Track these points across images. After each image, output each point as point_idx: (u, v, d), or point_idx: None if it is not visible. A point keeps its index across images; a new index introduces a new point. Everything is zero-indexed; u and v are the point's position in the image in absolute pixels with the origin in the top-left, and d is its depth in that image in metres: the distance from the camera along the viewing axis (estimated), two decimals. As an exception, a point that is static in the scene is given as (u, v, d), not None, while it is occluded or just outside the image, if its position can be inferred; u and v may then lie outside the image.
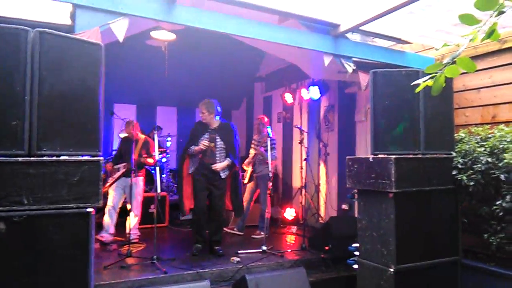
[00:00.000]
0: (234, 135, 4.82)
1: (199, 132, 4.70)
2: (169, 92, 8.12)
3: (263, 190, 5.64)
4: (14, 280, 2.12)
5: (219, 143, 4.68)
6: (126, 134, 5.56)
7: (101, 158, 2.42)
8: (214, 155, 4.61)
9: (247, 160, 5.90)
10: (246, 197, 5.83)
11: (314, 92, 6.05)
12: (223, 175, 4.66)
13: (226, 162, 4.66)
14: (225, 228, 5.74)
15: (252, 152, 5.84)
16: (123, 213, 5.32)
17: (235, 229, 5.82)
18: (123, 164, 5.14)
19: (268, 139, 5.25)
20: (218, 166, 4.60)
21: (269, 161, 5.02)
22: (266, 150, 5.46)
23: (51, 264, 2.22)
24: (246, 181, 5.86)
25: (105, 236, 4.98)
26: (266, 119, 5.85)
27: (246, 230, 5.79)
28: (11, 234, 2.10)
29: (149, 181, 6.68)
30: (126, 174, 5.05)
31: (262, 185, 5.67)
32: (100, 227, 4.95)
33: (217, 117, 4.76)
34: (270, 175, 4.95)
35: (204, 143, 4.56)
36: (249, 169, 5.82)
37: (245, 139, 9.16)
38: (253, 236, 5.05)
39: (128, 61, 6.60)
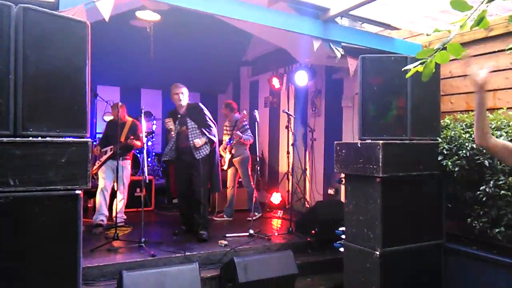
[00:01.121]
0: (203, 113, 4.83)
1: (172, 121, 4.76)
2: (154, 75, 7.99)
3: (245, 173, 5.67)
4: (0, 262, 2.08)
5: (190, 124, 4.70)
6: (112, 117, 5.47)
7: (89, 139, 2.36)
8: (187, 137, 4.64)
9: (222, 146, 5.87)
10: (229, 183, 5.86)
11: (301, 77, 6.04)
12: (198, 155, 4.63)
13: (204, 138, 4.67)
14: (214, 217, 5.78)
15: (225, 138, 5.87)
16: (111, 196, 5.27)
17: (224, 216, 5.83)
18: (110, 147, 5.07)
19: (256, 123, 5.23)
20: (196, 141, 4.61)
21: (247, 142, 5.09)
22: (241, 133, 5.59)
23: (39, 246, 2.18)
24: (225, 167, 5.85)
25: (104, 220, 4.99)
26: (234, 104, 5.98)
27: (235, 215, 5.82)
28: (-3, 216, 2.05)
29: (135, 165, 6.61)
30: (114, 157, 4.98)
31: (242, 168, 5.68)
32: (85, 211, 4.91)
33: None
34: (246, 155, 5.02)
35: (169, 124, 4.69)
36: (227, 155, 5.81)
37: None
38: (248, 218, 5.05)
39: (111, 42, 6.44)
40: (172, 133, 4.66)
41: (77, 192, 2.27)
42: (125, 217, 5.23)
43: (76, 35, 2.38)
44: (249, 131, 5.73)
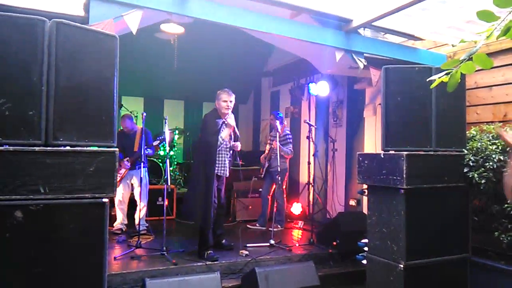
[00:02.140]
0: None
1: (216, 125, 4.40)
2: (176, 86, 8.15)
3: (279, 184, 5.69)
4: (30, 267, 2.14)
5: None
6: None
7: (116, 149, 2.43)
8: (227, 150, 4.50)
9: (263, 155, 6.01)
10: (263, 192, 5.89)
11: (323, 87, 6.04)
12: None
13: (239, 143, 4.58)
14: (248, 225, 5.92)
15: (267, 147, 5.94)
16: (131, 206, 5.40)
17: (257, 225, 5.88)
18: (127, 158, 5.20)
19: (277, 133, 5.27)
20: (237, 144, 4.53)
21: (278, 155, 5.07)
22: (282, 145, 5.61)
23: (66, 253, 2.24)
24: (263, 175, 5.95)
25: (123, 229, 5.19)
26: (279, 115, 5.94)
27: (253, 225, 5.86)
28: (27, 222, 2.12)
29: (157, 174, 6.71)
30: (130, 167, 5.15)
31: (277, 180, 5.70)
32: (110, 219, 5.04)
33: None
34: (279, 169, 5.00)
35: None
36: (265, 164, 5.89)
37: (252, 133, 9.18)
38: (270, 229, 5.04)
39: (136, 54, 6.61)
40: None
41: (104, 200, 2.33)
42: (147, 224, 5.32)
43: (105, 48, 2.47)
44: (291, 145, 5.80)
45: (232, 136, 4.53)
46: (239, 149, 4.55)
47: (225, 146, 4.41)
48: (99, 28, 2.65)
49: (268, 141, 5.99)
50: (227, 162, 4.45)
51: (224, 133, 4.34)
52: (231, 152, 4.55)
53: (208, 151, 4.28)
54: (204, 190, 4.22)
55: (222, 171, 4.39)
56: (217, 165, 4.32)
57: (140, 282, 3.37)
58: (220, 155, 4.37)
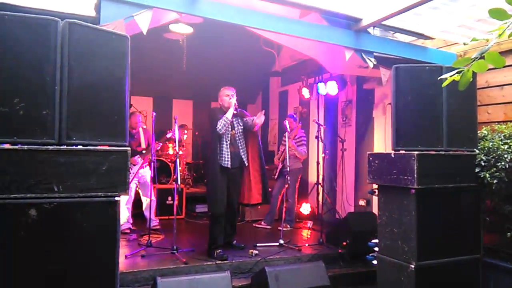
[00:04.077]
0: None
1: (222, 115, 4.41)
2: (185, 85, 8.18)
3: (292, 183, 5.70)
4: (45, 265, 2.17)
5: (240, 127, 4.57)
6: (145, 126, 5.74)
7: (128, 148, 2.45)
8: (236, 142, 4.50)
9: (276, 156, 6.08)
10: (275, 191, 5.93)
11: (332, 87, 6.03)
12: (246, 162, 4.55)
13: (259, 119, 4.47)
14: (255, 225, 5.96)
15: (282, 148, 5.98)
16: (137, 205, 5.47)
17: (262, 223, 5.90)
18: (137, 155, 5.29)
19: (286, 133, 5.27)
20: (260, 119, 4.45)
21: (287, 155, 5.08)
22: (298, 146, 5.74)
23: (80, 251, 2.26)
24: (276, 176, 5.99)
25: (130, 228, 5.26)
26: (295, 115, 6.10)
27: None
28: (42, 220, 2.14)
29: (167, 173, 6.74)
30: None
31: (291, 179, 5.70)
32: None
33: None
34: (288, 169, 5.01)
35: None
36: (279, 165, 5.93)
37: (260, 133, 9.18)
38: (279, 228, 5.03)
39: (146, 54, 6.66)
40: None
41: (116, 198, 2.35)
42: (157, 220, 5.37)
43: (117, 48, 2.49)
44: (305, 147, 5.90)
45: (240, 123, 4.52)
46: (261, 122, 4.45)
47: (227, 135, 4.39)
48: (110, 29, 2.67)
49: (283, 142, 5.99)
50: (229, 152, 4.37)
51: (229, 113, 4.32)
52: (241, 141, 4.52)
53: (213, 140, 4.37)
54: (210, 181, 4.37)
55: (225, 162, 4.34)
56: (220, 155, 4.34)
57: (151, 281, 3.39)
58: (223, 144, 4.36)
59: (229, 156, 4.37)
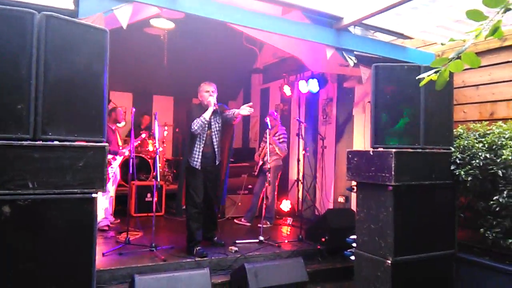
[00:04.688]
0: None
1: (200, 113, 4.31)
2: (166, 82, 8.10)
3: (272, 181, 5.72)
4: (17, 263, 2.12)
5: (218, 126, 4.46)
6: (124, 123, 5.67)
7: (106, 144, 2.41)
8: (212, 141, 4.40)
9: (257, 152, 6.10)
10: (256, 189, 5.94)
11: (313, 85, 6.07)
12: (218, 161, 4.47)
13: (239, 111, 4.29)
14: (236, 221, 5.97)
15: (262, 145, 5.98)
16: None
17: (243, 220, 5.92)
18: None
19: (267, 130, 5.27)
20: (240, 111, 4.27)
21: (268, 152, 5.09)
22: (280, 142, 5.78)
23: (55, 248, 2.22)
24: (256, 173, 6.02)
25: (109, 225, 5.20)
26: (275, 113, 6.10)
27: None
28: (16, 217, 2.09)
29: (146, 170, 6.67)
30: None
31: (271, 177, 5.72)
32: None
33: None
34: (268, 166, 5.03)
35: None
36: (260, 161, 5.94)
37: (242, 130, 9.18)
38: (259, 225, 5.03)
39: (125, 49, 6.55)
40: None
41: (93, 195, 2.31)
42: (109, 219, 5.34)
43: (96, 42, 2.44)
44: (285, 144, 5.92)
45: (218, 120, 4.42)
46: (245, 114, 4.29)
47: (203, 135, 4.31)
48: (88, 22, 2.62)
49: (263, 139, 6.00)
50: (200, 152, 4.29)
51: (207, 113, 4.23)
52: (217, 139, 4.41)
53: (187, 137, 4.31)
54: (181, 183, 4.35)
55: (194, 163, 4.28)
56: (192, 155, 4.29)
57: (129, 278, 3.35)
58: (196, 144, 4.30)
59: (200, 157, 4.28)
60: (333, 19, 3.85)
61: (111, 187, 5.26)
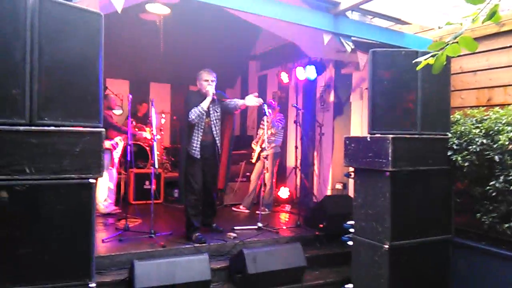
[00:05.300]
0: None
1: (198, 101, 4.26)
2: (163, 69, 8.02)
3: (270, 168, 5.73)
4: (16, 249, 2.12)
5: (216, 114, 4.43)
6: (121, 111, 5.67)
7: (103, 129, 2.40)
8: (211, 130, 4.38)
9: (255, 140, 6.05)
10: (253, 176, 5.92)
11: (310, 72, 6.04)
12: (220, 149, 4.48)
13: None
14: (233, 208, 5.97)
15: (260, 132, 5.95)
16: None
17: (241, 207, 5.94)
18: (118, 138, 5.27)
19: (265, 117, 5.24)
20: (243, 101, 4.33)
21: (266, 139, 5.09)
22: (277, 122, 5.77)
23: (53, 234, 2.23)
24: (254, 160, 5.97)
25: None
26: (273, 103, 6.08)
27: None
28: (13, 203, 2.09)
29: (144, 158, 6.66)
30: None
31: (269, 164, 5.73)
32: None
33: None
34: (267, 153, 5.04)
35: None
36: (257, 148, 5.90)
37: (239, 117, 9.15)
38: (257, 212, 5.03)
39: (121, 35, 6.49)
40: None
41: (90, 180, 2.31)
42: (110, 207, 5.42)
43: (90, 26, 2.41)
44: (280, 125, 5.88)
45: (216, 109, 4.39)
46: (251, 105, 4.33)
47: (201, 124, 4.28)
48: (83, 6, 2.59)
49: (261, 126, 5.99)
50: (199, 141, 4.26)
51: (205, 103, 4.18)
52: (217, 128, 4.40)
53: (185, 126, 4.26)
54: (180, 171, 4.32)
55: (194, 152, 4.26)
56: (191, 145, 4.26)
57: (128, 264, 3.37)
58: (195, 133, 4.27)
59: (199, 147, 4.25)
60: (330, 3, 3.81)
61: (115, 173, 5.32)
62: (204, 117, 4.28)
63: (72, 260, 2.31)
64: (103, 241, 3.96)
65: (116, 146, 5.29)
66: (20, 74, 2.13)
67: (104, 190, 5.23)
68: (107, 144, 4.99)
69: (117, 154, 5.34)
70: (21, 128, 2.13)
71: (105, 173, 5.03)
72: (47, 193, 2.20)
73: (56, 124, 2.26)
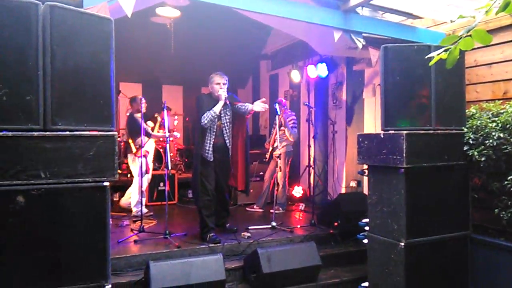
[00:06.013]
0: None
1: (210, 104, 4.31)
2: (174, 71, 8.10)
3: (283, 167, 5.74)
4: (33, 252, 2.16)
5: (227, 117, 4.47)
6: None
7: (116, 133, 2.42)
8: (222, 133, 4.42)
9: (267, 140, 6.09)
10: (266, 175, 5.95)
11: (322, 70, 6.01)
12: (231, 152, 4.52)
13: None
14: (247, 208, 6.00)
15: (273, 131, 5.92)
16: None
17: (255, 206, 5.94)
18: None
19: (277, 116, 5.24)
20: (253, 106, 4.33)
21: (278, 138, 5.08)
22: (292, 127, 5.78)
23: (69, 237, 2.26)
24: (267, 160, 5.99)
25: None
26: (284, 101, 6.09)
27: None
28: (30, 207, 2.13)
29: (158, 159, 6.72)
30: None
31: (282, 163, 5.73)
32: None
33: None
34: (279, 152, 5.02)
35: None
36: (270, 148, 5.92)
37: (252, 117, 9.15)
38: (271, 211, 5.03)
39: (133, 39, 6.56)
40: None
41: (105, 184, 2.34)
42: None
43: (101, 31, 2.44)
44: (295, 130, 5.89)
45: (227, 112, 4.42)
46: (259, 110, 4.34)
47: (213, 127, 4.32)
48: (93, 12, 2.62)
49: (274, 126, 5.99)
50: (211, 144, 4.30)
51: (217, 107, 4.21)
52: (228, 131, 4.44)
53: (197, 129, 4.29)
54: (194, 173, 4.36)
55: (207, 155, 4.30)
56: (203, 147, 4.29)
57: (144, 265, 3.41)
58: (207, 136, 4.30)
59: (211, 149, 4.30)
60: (339, 0, 3.78)
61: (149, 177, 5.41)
62: (216, 120, 4.32)
63: (88, 262, 2.33)
64: (118, 243, 4.01)
65: (148, 152, 5.37)
66: (33, 80, 2.16)
67: (137, 194, 5.27)
68: (143, 150, 4.96)
69: (150, 158, 5.41)
70: (36, 133, 2.16)
71: (138, 178, 5.12)
72: (62, 196, 2.23)
73: (70, 129, 2.28)
